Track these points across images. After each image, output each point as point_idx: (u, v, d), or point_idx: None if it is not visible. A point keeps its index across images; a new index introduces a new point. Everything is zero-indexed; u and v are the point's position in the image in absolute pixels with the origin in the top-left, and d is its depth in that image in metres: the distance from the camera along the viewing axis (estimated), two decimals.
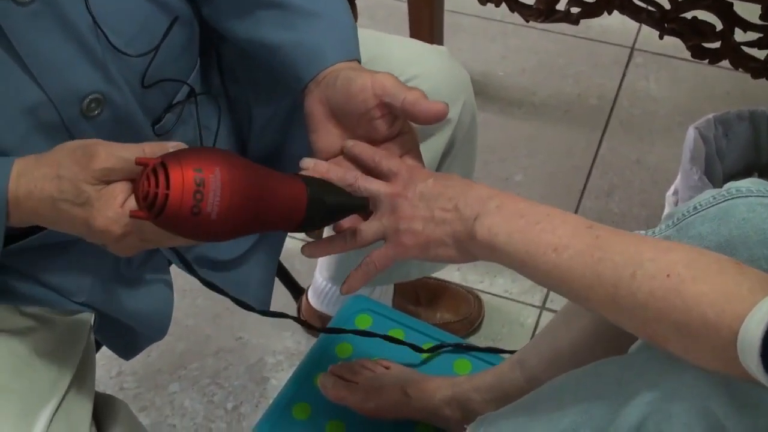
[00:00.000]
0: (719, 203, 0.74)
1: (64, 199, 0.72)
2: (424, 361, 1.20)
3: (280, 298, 1.55)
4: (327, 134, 0.86)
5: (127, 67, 0.82)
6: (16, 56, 0.74)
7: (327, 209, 0.80)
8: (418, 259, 0.82)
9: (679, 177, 1.55)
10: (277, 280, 1.53)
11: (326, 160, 0.86)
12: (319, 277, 1.47)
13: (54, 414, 0.85)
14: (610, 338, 0.87)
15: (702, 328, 0.62)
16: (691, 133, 1.48)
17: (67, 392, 0.88)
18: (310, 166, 0.84)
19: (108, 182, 0.72)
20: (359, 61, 0.88)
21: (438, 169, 1.13)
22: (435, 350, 1.20)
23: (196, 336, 1.58)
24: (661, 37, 1.54)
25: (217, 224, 0.70)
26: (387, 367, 1.16)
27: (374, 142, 0.86)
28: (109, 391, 1.51)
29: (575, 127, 1.92)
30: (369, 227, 0.83)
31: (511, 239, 0.73)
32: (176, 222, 0.69)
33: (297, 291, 1.57)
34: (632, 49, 2.09)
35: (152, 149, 0.73)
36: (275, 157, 1.05)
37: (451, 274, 1.62)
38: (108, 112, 0.82)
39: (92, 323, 0.96)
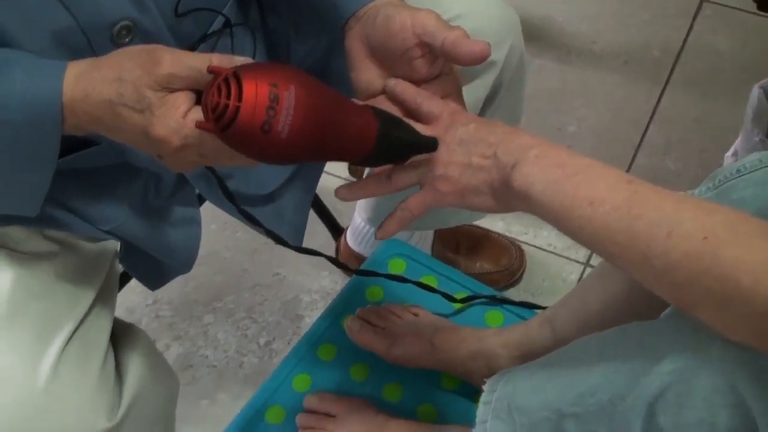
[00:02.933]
0: (766, 167, 0.70)
1: (123, 103, 0.69)
2: (456, 312, 1.17)
3: (320, 237, 1.55)
4: (367, 73, 0.83)
5: None
6: None
7: (395, 145, 0.77)
8: (455, 207, 0.80)
9: (739, 137, 1.49)
10: (317, 219, 1.52)
11: (366, 99, 0.83)
12: (357, 217, 1.45)
13: (70, 337, 0.85)
14: (642, 303, 0.84)
15: (735, 296, 0.58)
16: (755, 92, 1.42)
17: (85, 317, 0.88)
18: None
19: (171, 90, 0.69)
20: None
21: (481, 115, 1.10)
22: (467, 301, 1.17)
23: (233, 269, 1.58)
24: None
25: (286, 144, 0.67)
26: (416, 314, 1.14)
27: (414, 82, 0.83)
28: (144, 319, 1.53)
29: (635, 79, 1.85)
30: (404, 171, 0.80)
31: (547, 189, 0.70)
32: (244, 138, 0.66)
33: (337, 231, 1.56)
34: (702, 0, 2.00)
35: (220, 60, 0.69)
36: None
37: (495, 223, 1.59)
38: (138, 40, 0.79)
39: (117, 252, 0.96)
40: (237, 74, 0.66)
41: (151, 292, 1.53)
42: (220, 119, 0.66)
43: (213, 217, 1.43)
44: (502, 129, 0.77)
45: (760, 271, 0.58)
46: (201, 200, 1.04)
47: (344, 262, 1.53)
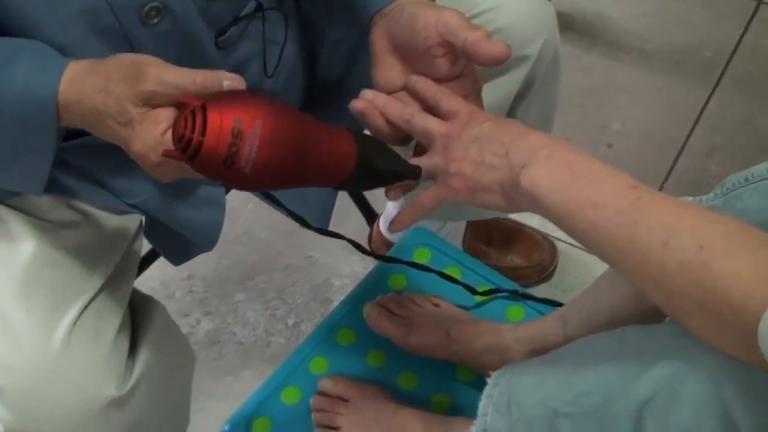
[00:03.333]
0: None
1: (108, 114, 0.70)
2: (478, 304, 1.18)
3: (355, 222, 1.56)
4: (389, 69, 0.83)
5: None
6: None
7: (374, 172, 0.77)
8: (467, 203, 0.80)
9: None
10: (352, 204, 1.53)
11: (386, 95, 0.84)
12: (389, 204, 1.46)
13: (84, 309, 0.87)
14: (649, 306, 0.83)
15: (725, 309, 0.58)
16: None
17: (101, 290, 0.90)
18: (370, 97, 0.82)
19: (153, 106, 0.70)
20: None
21: (513, 110, 1.09)
22: (489, 294, 1.17)
23: (267, 249, 1.60)
24: None
25: (250, 178, 0.68)
26: (437, 305, 1.14)
27: (435, 81, 0.82)
28: (178, 292, 1.55)
29: (684, 80, 1.82)
30: (420, 166, 0.81)
31: (553, 192, 0.70)
32: (209, 169, 0.68)
33: (371, 216, 1.57)
34: (759, 2, 1.95)
35: (205, 79, 0.70)
36: (340, 83, 1.03)
37: (530, 217, 1.58)
38: (168, 22, 0.80)
39: (142, 225, 0.98)
40: (204, 107, 0.67)
41: (186, 267, 1.57)
42: (186, 150, 0.67)
43: (250, 197, 1.45)
44: (517, 129, 0.77)
45: (752, 285, 0.56)
46: None
47: (376, 247, 1.54)
